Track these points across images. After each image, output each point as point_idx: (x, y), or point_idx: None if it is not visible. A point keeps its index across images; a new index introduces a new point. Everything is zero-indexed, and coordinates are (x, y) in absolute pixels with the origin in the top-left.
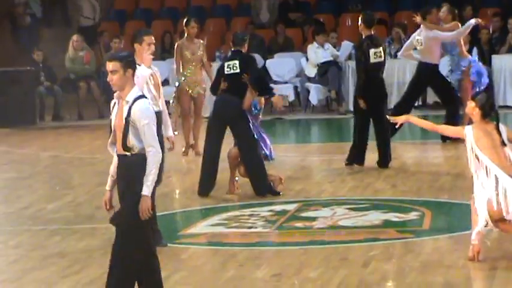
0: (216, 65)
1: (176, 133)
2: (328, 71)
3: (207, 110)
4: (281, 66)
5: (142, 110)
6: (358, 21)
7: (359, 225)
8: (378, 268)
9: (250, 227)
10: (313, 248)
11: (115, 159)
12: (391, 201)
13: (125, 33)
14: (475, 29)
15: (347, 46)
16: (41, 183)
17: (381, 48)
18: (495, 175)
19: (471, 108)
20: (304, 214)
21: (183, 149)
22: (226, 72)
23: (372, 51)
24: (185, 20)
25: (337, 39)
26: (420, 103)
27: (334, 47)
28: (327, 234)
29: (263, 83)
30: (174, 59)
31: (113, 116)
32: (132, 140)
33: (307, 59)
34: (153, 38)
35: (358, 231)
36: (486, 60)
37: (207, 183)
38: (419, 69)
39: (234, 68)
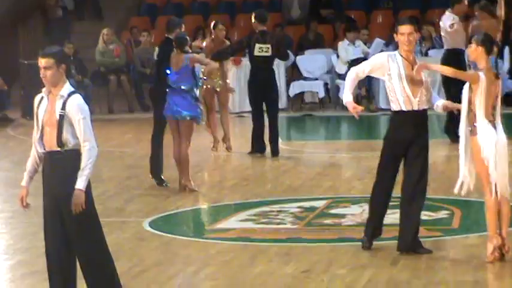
0: (245, 60)
1: (203, 123)
2: None
3: (236, 106)
4: (312, 63)
5: (79, 105)
6: (389, 18)
7: (388, 223)
8: (407, 266)
9: (279, 223)
10: (342, 245)
11: (34, 155)
12: None
13: (155, 28)
14: (507, 28)
15: (378, 43)
16: None
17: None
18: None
19: (473, 50)
20: (333, 211)
21: (212, 145)
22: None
23: (257, 45)
24: (213, 23)
25: (368, 36)
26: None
27: (365, 44)
28: (355, 232)
29: None
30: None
31: (40, 112)
32: (66, 135)
33: (337, 56)
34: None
35: (388, 229)
36: None
37: None
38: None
39: None
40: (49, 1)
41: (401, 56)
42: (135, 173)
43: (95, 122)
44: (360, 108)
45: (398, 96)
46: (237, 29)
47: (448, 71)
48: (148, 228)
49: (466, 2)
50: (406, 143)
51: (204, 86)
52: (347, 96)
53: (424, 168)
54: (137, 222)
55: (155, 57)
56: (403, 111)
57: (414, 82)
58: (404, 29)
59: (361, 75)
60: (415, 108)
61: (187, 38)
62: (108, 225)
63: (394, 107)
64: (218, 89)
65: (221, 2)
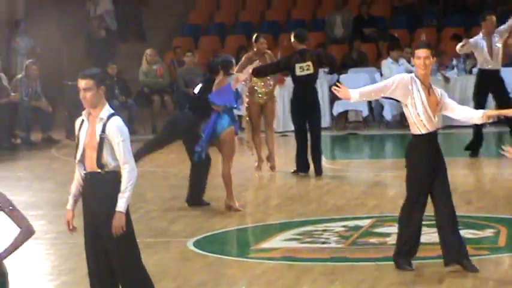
0: (289, 79)
1: (252, 154)
2: None
3: (280, 126)
4: (355, 82)
5: (118, 127)
6: (433, 36)
7: (434, 242)
8: (453, 285)
9: (323, 242)
10: (387, 264)
11: (77, 178)
12: (466, 218)
13: (198, 48)
14: None
15: None
16: None
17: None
18: None
19: None
20: (378, 230)
21: (256, 164)
22: None
23: (297, 65)
24: (254, 36)
25: (412, 54)
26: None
27: (409, 62)
28: None
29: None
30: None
31: (81, 134)
32: (106, 157)
33: (381, 74)
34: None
35: (433, 247)
36: None
37: None
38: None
39: None
40: (92, 22)
41: (419, 79)
42: (179, 193)
43: (138, 142)
44: (345, 95)
45: (423, 119)
46: (280, 49)
47: None
48: (193, 248)
49: (493, 19)
50: (433, 164)
51: (247, 100)
52: (355, 91)
53: (448, 184)
54: (181, 242)
55: (200, 85)
56: (429, 132)
57: (432, 104)
58: (421, 52)
59: (385, 92)
60: (437, 127)
61: (233, 61)
62: (152, 245)
63: (421, 129)
64: (261, 101)
65: (264, 22)
